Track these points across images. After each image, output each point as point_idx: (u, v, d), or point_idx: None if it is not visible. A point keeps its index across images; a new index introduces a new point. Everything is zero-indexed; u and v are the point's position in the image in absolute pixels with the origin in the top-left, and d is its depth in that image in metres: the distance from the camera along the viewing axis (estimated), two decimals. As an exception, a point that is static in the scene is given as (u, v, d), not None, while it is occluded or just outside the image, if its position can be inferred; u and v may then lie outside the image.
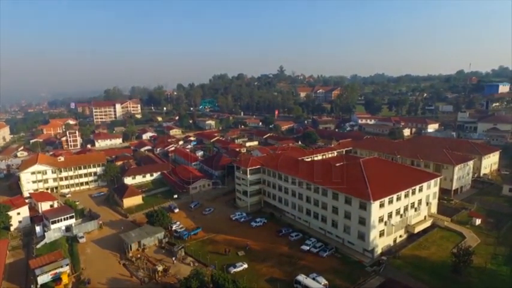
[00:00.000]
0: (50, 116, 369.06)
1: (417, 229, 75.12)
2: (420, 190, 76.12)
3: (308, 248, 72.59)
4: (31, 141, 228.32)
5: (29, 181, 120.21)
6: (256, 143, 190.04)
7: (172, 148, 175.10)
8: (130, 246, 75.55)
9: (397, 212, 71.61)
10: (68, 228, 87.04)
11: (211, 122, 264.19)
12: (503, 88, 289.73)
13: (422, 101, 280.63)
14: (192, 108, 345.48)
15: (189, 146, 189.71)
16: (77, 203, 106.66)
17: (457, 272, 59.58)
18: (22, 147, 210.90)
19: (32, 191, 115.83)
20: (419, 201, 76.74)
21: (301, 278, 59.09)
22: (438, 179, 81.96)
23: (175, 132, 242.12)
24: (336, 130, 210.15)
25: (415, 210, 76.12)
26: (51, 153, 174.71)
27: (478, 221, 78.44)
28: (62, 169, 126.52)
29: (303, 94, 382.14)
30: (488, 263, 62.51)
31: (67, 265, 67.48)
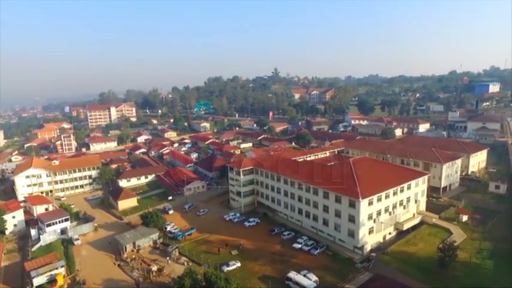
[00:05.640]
0: (44, 120, 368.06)
1: (406, 226, 77.06)
2: (408, 188, 78.03)
3: (300, 246, 74.11)
4: (25, 145, 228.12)
5: (23, 185, 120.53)
6: (250, 144, 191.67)
7: (167, 151, 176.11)
8: (125, 247, 76.62)
9: (386, 210, 73.40)
10: (63, 231, 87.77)
11: (206, 125, 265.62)
12: (494, 88, 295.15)
13: (415, 101, 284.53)
14: (192, 112, 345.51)
15: (184, 148, 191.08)
16: (72, 206, 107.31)
17: (443, 266, 61.52)
18: (16, 152, 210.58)
19: (27, 195, 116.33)
20: (408, 199, 78.63)
21: (292, 274, 60.68)
22: (426, 177, 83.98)
23: (170, 134, 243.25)
24: (330, 131, 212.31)
25: (404, 207, 78.00)
26: (45, 157, 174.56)
27: (465, 218, 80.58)
28: (57, 173, 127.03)
29: (297, 96, 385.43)
30: (473, 257, 64.49)
31: (62, 267, 68.41)
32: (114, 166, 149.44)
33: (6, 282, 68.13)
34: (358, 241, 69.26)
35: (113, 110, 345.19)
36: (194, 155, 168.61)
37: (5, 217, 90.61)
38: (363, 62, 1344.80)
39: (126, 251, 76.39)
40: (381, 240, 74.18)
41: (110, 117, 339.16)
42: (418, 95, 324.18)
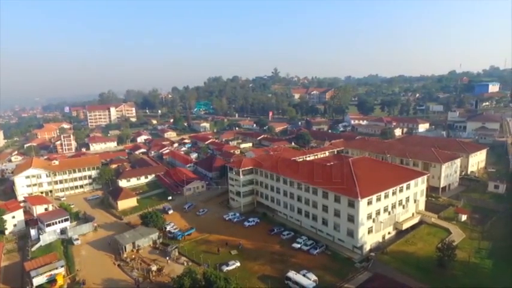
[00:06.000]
0: (44, 121, 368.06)
1: (405, 226, 77.17)
2: (408, 188, 78.11)
3: (299, 245, 74.16)
4: (25, 145, 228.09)
5: (23, 185, 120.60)
6: (250, 144, 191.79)
7: (167, 151, 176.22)
8: (125, 247, 76.73)
9: (385, 210, 73.47)
10: (63, 231, 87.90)
11: (206, 125, 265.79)
12: (493, 88, 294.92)
13: (415, 101, 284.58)
14: (192, 112, 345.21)
15: (184, 149, 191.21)
16: (72, 206, 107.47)
17: (442, 265, 61.68)
18: (16, 152, 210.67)
19: (27, 195, 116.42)
20: (407, 199, 78.71)
21: (291, 274, 60.81)
22: (425, 176, 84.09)
23: (170, 135, 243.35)
24: (329, 131, 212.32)
25: (403, 207, 78.10)
26: (45, 157, 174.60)
27: (463, 217, 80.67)
28: (57, 173, 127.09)
29: (297, 96, 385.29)
30: (471, 256, 64.58)
31: (62, 267, 68.53)
32: (114, 166, 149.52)
33: (6, 282, 68.26)
34: (358, 241, 69.37)
35: (112, 110, 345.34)
36: (194, 155, 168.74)
37: (5, 217, 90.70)
38: (362, 62, 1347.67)
39: (125, 251, 76.50)
40: (380, 240, 74.26)
41: (109, 118, 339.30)
42: (417, 95, 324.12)
